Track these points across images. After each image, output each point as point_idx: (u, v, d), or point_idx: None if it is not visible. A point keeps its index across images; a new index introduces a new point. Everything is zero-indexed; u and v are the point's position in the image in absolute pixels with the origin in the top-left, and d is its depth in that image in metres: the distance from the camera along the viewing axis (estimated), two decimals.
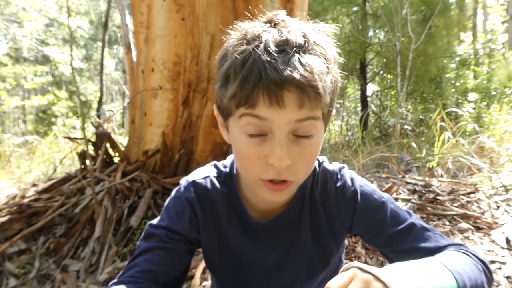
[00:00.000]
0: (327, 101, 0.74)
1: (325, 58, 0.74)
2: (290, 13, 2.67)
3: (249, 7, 2.48)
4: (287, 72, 0.68)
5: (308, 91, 0.69)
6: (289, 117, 0.71)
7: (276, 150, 0.72)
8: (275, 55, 0.70)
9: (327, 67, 0.74)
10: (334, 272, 1.06)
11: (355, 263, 0.70)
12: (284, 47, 0.71)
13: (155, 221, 0.96)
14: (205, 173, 0.99)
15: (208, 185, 0.97)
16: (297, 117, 0.72)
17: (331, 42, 0.79)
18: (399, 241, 0.88)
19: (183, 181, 0.99)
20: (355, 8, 10.00)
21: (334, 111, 0.86)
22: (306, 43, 0.72)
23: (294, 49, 0.71)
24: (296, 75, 0.68)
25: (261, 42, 0.72)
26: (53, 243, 2.15)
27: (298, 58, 0.70)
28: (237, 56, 0.73)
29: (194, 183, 0.97)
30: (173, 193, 0.99)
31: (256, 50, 0.71)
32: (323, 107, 0.74)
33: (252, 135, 0.75)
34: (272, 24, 0.77)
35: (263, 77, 0.69)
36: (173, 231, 0.92)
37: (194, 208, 0.95)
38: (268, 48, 0.70)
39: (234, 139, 0.79)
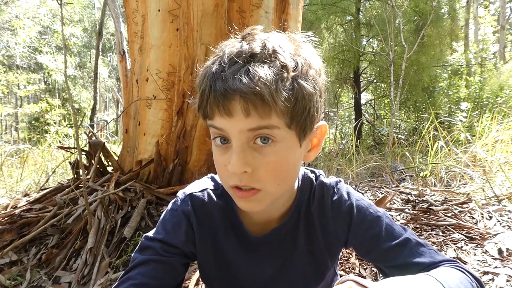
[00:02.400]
0: (281, 108, 0.72)
1: (283, 66, 0.72)
2: (285, 24, 2.69)
3: (244, 18, 2.51)
4: (232, 82, 0.71)
5: (252, 99, 0.70)
6: (240, 126, 0.73)
7: (233, 157, 0.74)
8: (226, 67, 0.73)
9: (284, 75, 0.72)
10: (329, 286, 1.07)
11: (351, 276, 0.70)
12: (237, 59, 0.73)
13: (151, 233, 0.96)
14: (202, 186, 1.00)
15: (205, 198, 0.97)
16: (248, 126, 0.73)
17: (306, 52, 0.79)
18: (394, 256, 0.88)
19: (180, 193, 0.99)
20: (348, 18, 10.08)
21: (323, 122, 0.86)
22: (261, 53, 0.73)
23: (245, 59, 0.73)
24: (238, 84, 0.70)
25: (220, 57, 0.75)
26: (45, 254, 2.12)
27: (248, 68, 0.71)
28: (202, 71, 0.78)
29: (191, 196, 0.97)
30: (169, 205, 0.99)
31: (213, 64, 0.75)
32: (280, 115, 0.73)
33: (218, 145, 0.79)
34: (243, 38, 0.79)
35: (212, 89, 0.73)
36: (169, 244, 0.92)
37: (190, 221, 0.95)
38: (221, 61, 0.74)
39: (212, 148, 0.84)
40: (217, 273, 0.99)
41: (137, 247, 0.94)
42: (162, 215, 0.99)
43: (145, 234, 0.96)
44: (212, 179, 1.03)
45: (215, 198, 0.97)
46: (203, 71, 0.77)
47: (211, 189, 0.99)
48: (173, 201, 0.99)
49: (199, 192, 0.98)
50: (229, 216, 0.97)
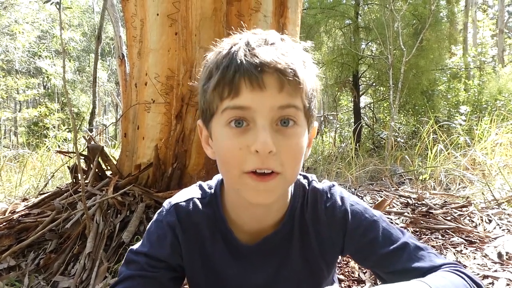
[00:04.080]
0: (306, 90, 0.77)
1: (303, 56, 0.80)
2: (283, 27, 2.69)
3: (242, 21, 2.51)
4: (266, 55, 0.72)
5: (287, 73, 0.72)
6: (271, 102, 0.73)
7: (259, 135, 0.73)
8: (253, 46, 0.75)
9: (304, 62, 0.79)
10: None
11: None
12: (263, 42, 0.76)
13: (136, 246, 0.94)
14: (188, 195, 0.97)
15: (191, 207, 0.95)
16: (279, 103, 0.73)
17: (309, 54, 0.84)
18: (392, 262, 0.86)
19: (166, 203, 0.97)
20: (347, 21, 10.11)
21: (316, 123, 0.88)
22: (283, 42, 0.78)
23: (272, 43, 0.77)
24: (275, 58, 0.72)
25: (241, 40, 0.77)
26: (43, 259, 2.11)
27: (276, 48, 0.75)
28: (218, 54, 0.79)
29: (176, 206, 0.95)
30: (155, 216, 0.97)
31: (236, 46, 0.76)
32: (303, 97, 0.77)
33: (234, 127, 0.76)
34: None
35: (243, 63, 0.72)
36: (154, 258, 0.90)
37: (176, 233, 0.93)
38: (249, 42, 0.76)
39: (217, 139, 0.81)
40: (207, 284, 0.97)
41: (123, 260, 0.93)
42: (148, 225, 0.97)
43: (130, 247, 0.94)
44: (200, 187, 1.01)
45: (201, 207, 0.95)
46: (222, 52, 0.78)
47: (197, 198, 0.96)
48: (159, 211, 0.98)
49: (184, 202, 0.96)
50: (217, 224, 0.94)
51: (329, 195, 0.95)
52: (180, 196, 0.98)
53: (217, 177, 0.99)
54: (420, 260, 0.84)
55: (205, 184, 1.01)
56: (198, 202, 0.96)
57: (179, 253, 0.94)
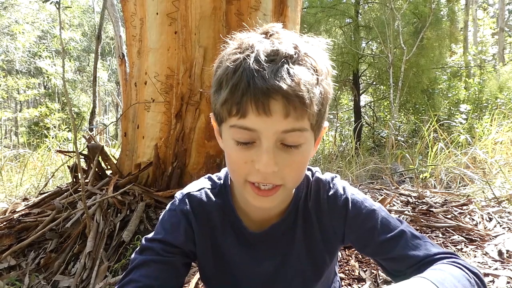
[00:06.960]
0: (314, 112, 0.75)
1: (315, 70, 0.76)
2: (283, 26, 2.69)
3: (242, 20, 2.50)
4: (274, 81, 0.71)
5: (293, 101, 0.71)
6: (276, 127, 0.73)
7: (263, 156, 0.74)
8: (264, 64, 0.72)
9: (317, 79, 0.75)
10: (330, 286, 1.06)
11: None
12: (274, 57, 0.74)
13: (149, 235, 0.96)
14: (199, 186, 1.01)
15: (203, 197, 0.98)
16: (284, 128, 0.73)
17: (324, 55, 0.81)
18: (389, 248, 0.88)
19: (178, 194, 1.00)
20: (347, 20, 10.10)
21: (327, 123, 0.88)
22: (296, 54, 0.75)
23: (283, 59, 0.73)
24: (282, 84, 0.70)
25: (252, 52, 0.75)
26: (44, 258, 2.11)
27: (287, 68, 0.72)
28: (230, 64, 0.76)
29: (189, 195, 0.98)
30: (168, 206, 1.00)
31: (247, 59, 0.74)
32: (310, 118, 0.76)
33: (240, 142, 0.77)
34: (267, 35, 0.80)
35: (251, 86, 0.71)
36: (169, 244, 0.92)
37: (189, 220, 0.95)
38: (258, 58, 0.73)
39: (225, 144, 0.82)
40: (216, 272, 1.00)
41: (136, 249, 0.94)
42: (161, 216, 0.99)
43: (144, 237, 0.96)
44: (209, 178, 1.03)
45: (212, 197, 0.98)
46: (233, 64, 0.75)
47: (208, 188, 1.00)
48: (171, 202, 1.00)
49: (196, 191, 0.98)
50: (227, 213, 0.97)
51: (331, 185, 0.97)
52: (192, 187, 1.01)
53: (225, 169, 1.01)
54: (416, 249, 0.87)
55: (214, 176, 1.04)
56: (209, 192, 0.99)
57: (192, 239, 0.96)
